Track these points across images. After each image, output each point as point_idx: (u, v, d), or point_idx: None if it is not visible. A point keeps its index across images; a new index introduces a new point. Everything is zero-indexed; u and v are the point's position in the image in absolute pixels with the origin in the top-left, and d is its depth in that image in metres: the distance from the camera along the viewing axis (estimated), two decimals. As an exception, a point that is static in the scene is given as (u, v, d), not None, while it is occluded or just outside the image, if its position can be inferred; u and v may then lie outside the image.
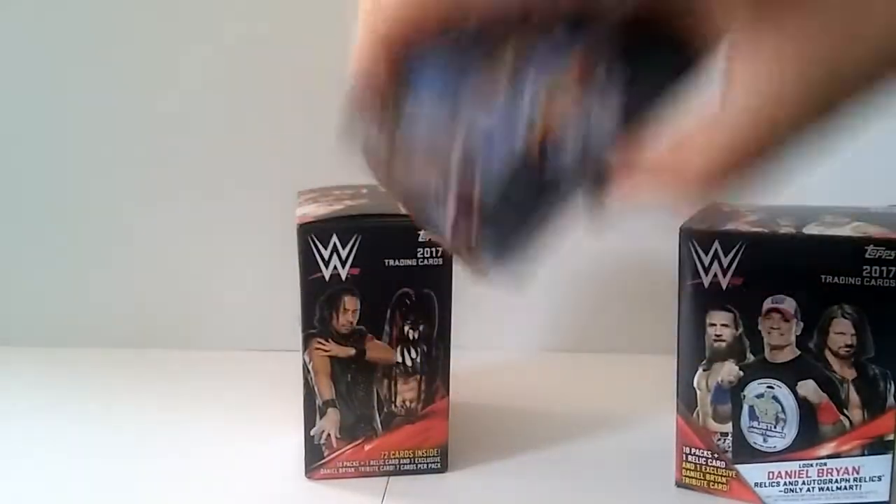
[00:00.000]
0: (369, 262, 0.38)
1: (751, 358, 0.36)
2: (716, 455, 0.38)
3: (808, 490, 0.36)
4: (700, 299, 0.37)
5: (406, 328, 0.39)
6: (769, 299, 0.35)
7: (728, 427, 0.37)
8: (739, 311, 0.36)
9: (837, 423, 0.36)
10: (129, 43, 0.55)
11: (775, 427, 0.36)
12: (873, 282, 0.34)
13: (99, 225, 0.58)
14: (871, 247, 0.34)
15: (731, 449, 0.37)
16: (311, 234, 0.37)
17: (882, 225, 0.35)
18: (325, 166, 0.56)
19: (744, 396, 0.37)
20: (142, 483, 0.41)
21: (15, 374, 0.54)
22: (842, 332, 0.35)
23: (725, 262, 0.36)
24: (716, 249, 0.36)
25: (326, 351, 0.39)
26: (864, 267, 0.34)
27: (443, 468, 0.42)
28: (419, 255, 0.38)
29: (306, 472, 0.41)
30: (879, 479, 0.35)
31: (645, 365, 0.55)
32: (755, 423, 0.37)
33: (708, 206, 0.39)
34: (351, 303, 0.38)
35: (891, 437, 0.35)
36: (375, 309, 0.39)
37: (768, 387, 0.36)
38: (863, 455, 0.35)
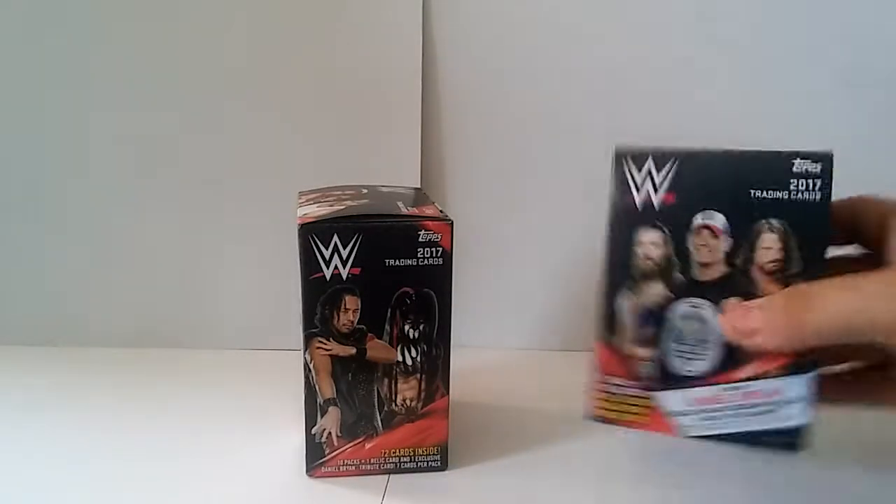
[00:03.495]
0: (370, 261, 0.38)
1: (679, 278, 0.36)
2: (635, 384, 0.37)
3: (727, 416, 0.36)
4: (631, 218, 0.37)
5: (406, 327, 0.39)
6: (699, 215, 0.36)
7: (651, 352, 0.37)
8: (669, 228, 0.36)
9: None
10: (130, 42, 0.55)
11: (698, 348, 0.36)
12: (800, 195, 0.35)
13: (99, 225, 0.58)
14: (798, 160, 0.35)
15: (652, 375, 0.37)
16: (313, 233, 0.38)
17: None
18: (325, 166, 0.57)
19: (669, 318, 0.36)
20: (142, 483, 0.41)
21: (15, 374, 0.54)
22: (769, 247, 0.35)
23: (658, 178, 0.36)
24: (649, 168, 0.36)
25: (327, 350, 0.39)
26: (791, 180, 0.35)
27: (443, 466, 0.42)
28: (419, 255, 0.39)
29: (307, 471, 0.41)
30: (799, 400, 0.35)
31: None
32: (679, 346, 0.36)
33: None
34: (352, 302, 0.39)
35: (812, 357, 0.35)
36: (376, 308, 0.39)
37: (693, 306, 0.36)
38: (783, 376, 0.35)
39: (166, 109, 0.56)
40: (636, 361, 0.37)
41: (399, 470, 0.42)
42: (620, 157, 0.37)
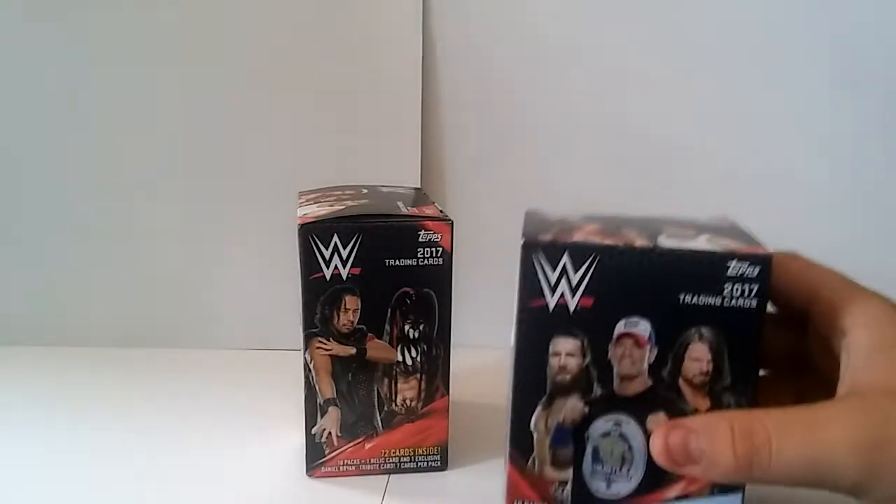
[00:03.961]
0: (370, 261, 0.38)
1: (598, 391, 0.32)
2: None
3: None
4: (543, 324, 0.32)
5: (406, 327, 0.39)
6: (621, 322, 0.31)
7: (568, 474, 0.33)
8: (588, 336, 0.31)
9: None
10: (130, 42, 0.55)
11: (621, 469, 0.32)
12: (734, 302, 0.30)
13: (99, 224, 0.58)
14: (734, 262, 0.30)
15: (569, 500, 0.33)
16: (313, 233, 0.38)
17: (733, 237, 0.32)
18: (325, 166, 0.57)
19: (587, 437, 0.32)
20: (142, 482, 0.41)
21: (15, 374, 0.54)
22: (697, 359, 0.31)
23: (575, 279, 0.31)
24: (564, 265, 0.31)
25: (327, 350, 0.39)
26: (726, 285, 0.30)
27: (443, 466, 0.42)
28: (419, 255, 0.39)
29: (307, 471, 0.41)
30: None
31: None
32: (599, 467, 0.32)
33: (530, 213, 0.35)
34: (352, 302, 0.39)
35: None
36: (376, 308, 0.39)
37: (615, 423, 0.32)
38: (712, 495, 0.32)
39: (166, 109, 0.56)
40: (552, 484, 0.33)
41: (399, 470, 0.42)
42: (530, 251, 0.31)
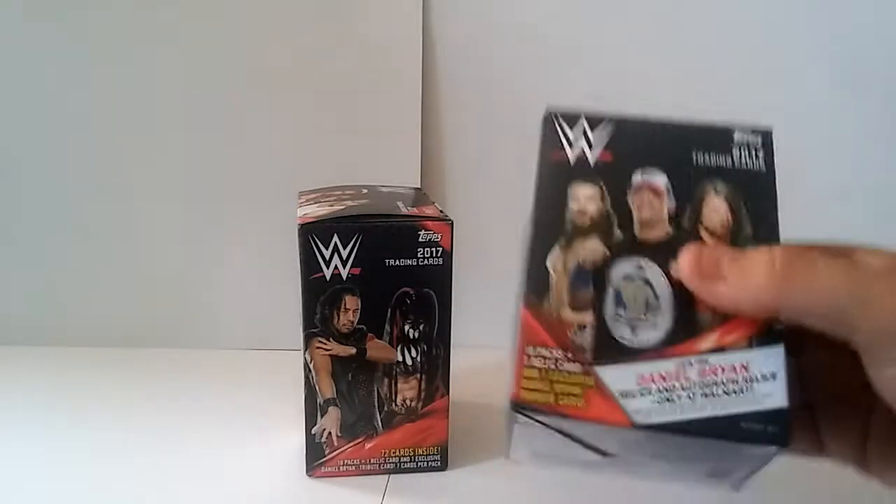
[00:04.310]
0: (370, 261, 0.38)
1: (618, 235, 0.31)
2: (569, 355, 0.29)
3: (689, 398, 0.29)
4: (563, 173, 0.32)
5: (406, 327, 0.39)
6: (638, 172, 0.32)
7: (588, 316, 0.30)
8: (607, 184, 0.32)
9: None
10: (129, 42, 0.55)
11: (646, 315, 0.30)
12: (744, 164, 0.32)
13: (99, 225, 0.58)
14: (738, 132, 0.33)
15: (590, 346, 0.29)
16: (313, 233, 0.38)
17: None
18: (325, 166, 0.57)
19: (609, 279, 0.30)
20: (142, 482, 0.41)
21: (15, 374, 0.54)
22: (716, 210, 0.32)
23: (594, 137, 0.33)
24: (584, 128, 0.33)
25: (327, 350, 0.39)
26: (733, 149, 0.33)
27: (443, 466, 0.42)
28: (419, 255, 0.38)
29: (307, 471, 0.41)
30: (773, 377, 0.29)
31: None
32: (622, 311, 0.30)
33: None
34: (352, 302, 0.39)
35: (780, 326, 0.29)
36: (376, 308, 0.39)
37: (638, 266, 0.31)
38: (750, 348, 0.29)
39: (166, 109, 0.56)
40: (570, 328, 0.30)
41: (399, 470, 0.42)
42: (551, 117, 0.34)
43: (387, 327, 0.39)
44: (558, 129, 0.33)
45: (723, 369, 0.29)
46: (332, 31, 0.55)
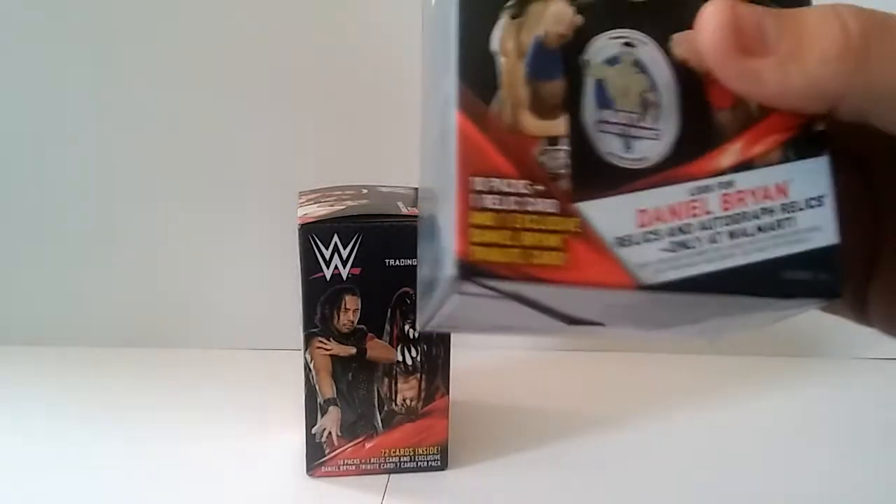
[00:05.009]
0: (370, 261, 0.38)
1: None
2: (539, 187, 0.19)
3: (712, 240, 0.19)
4: None
5: (406, 327, 0.39)
6: None
7: (560, 124, 0.19)
8: None
9: (740, 105, 0.20)
10: (128, 41, 0.55)
11: (643, 117, 0.20)
12: None
13: (99, 224, 0.58)
14: None
15: (566, 169, 0.19)
16: (313, 233, 0.38)
17: None
18: (325, 166, 0.57)
19: (586, 62, 0.20)
20: (142, 482, 0.41)
21: (15, 374, 0.54)
22: None
23: None
24: None
25: (328, 350, 0.39)
26: None
27: (443, 466, 0.42)
28: (419, 255, 0.39)
29: (307, 470, 0.41)
30: (819, 201, 0.20)
31: (642, 363, 0.56)
32: (608, 113, 0.20)
33: None
34: (352, 302, 0.39)
35: (822, 126, 0.20)
36: (376, 308, 0.39)
37: (626, 43, 0.20)
38: (786, 161, 0.20)
39: (166, 109, 0.56)
40: (535, 143, 0.19)
41: (399, 470, 0.42)
42: None
43: (387, 327, 0.39)
44: None
45: (754, 194, 0.20)
46: (333, 31, 0.55)
